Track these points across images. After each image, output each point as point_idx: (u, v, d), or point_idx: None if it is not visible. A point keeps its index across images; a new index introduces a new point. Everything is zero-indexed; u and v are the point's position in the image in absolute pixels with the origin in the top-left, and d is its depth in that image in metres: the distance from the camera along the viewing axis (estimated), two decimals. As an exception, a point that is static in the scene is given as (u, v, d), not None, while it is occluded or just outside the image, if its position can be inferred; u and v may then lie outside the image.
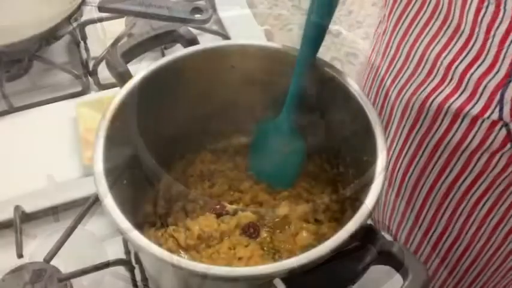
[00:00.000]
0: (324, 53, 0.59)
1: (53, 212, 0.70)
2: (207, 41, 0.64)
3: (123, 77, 0.58)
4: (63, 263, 0.64)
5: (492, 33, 0.54)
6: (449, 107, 0.61)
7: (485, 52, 0.56)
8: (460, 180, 0.67)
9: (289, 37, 2.26)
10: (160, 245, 0.54)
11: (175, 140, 0.65)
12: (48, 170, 0.75)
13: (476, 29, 0.56)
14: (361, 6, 2.49)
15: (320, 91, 0.60)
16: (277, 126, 0.63)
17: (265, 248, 0.61)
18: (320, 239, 0.60)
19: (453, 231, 0.73)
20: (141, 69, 0.58)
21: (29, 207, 0.70)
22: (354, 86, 0.57)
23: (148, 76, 0.58)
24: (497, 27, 0.54)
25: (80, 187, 0.71)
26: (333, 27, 2.42)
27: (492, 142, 0.60)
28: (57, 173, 0.75)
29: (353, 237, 0.46)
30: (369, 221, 0.48)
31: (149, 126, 0.60)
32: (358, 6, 2.50)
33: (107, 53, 0.84)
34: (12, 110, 0.83)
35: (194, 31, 0.94)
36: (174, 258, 0.45)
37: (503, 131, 0.59)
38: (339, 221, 0.62)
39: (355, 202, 0.58)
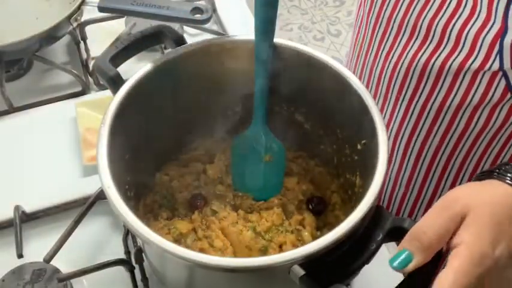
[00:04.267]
0: (324, 53, 0.60)
1: (53, 212, 0.71)
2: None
3: (114, 81, 0.59)
4: (63, 263, 0.64)
5: None
6: (450, 66, 0.62)
7: (478, 8, 0.58)
8: (464, 138, 0.68)
9: (289, 37, 2.26)
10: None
11: (171, 139, 0.65)
12: (48, 170, 0.75)
13: None
14: (361, 6, 2.50)
15: (312, 80, 0.61)
16: (252, 136, 0.64)
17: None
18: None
19: None
20: (138, 69, 0.59)
21: (29, 207, 0.70)
22: (345, 71, 0.58)
23: (146, 76, 0.58)
24: None
25: (80, 187, 0.71)
26: (333, 27, 2.42)
27: (493, 95, 0.62)
28: (57, 173, 0.75)
29: (364, 218, 0.47)
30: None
31: (147, 126, 0.61)
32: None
33: (95, 59, 0.84)
34: (12, 110, 0.83)
35: (195, 31, 0.95)
36: (189, 253, 0.46)
37: (503, 82, 0.60)
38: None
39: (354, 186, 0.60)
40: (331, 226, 0.58)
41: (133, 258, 0.66)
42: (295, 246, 0.59)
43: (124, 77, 0.59)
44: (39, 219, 0.70)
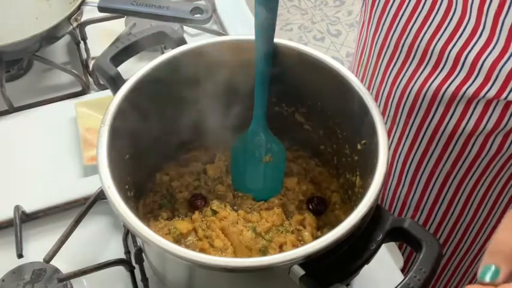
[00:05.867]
0: (324, 53, 0.60)
1: (53, 212, 0.71)
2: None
3: (114, 81, 0.59)
4: (63, 263, 0.64)
5: (501, 20, 0.55)
6: (463, 94, 0.61)
7: (495, 38, 0.57)
8: (476, 164, 0.67)
9: (289, 37, 2.26)
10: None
11: (171, 139, 0.65)
12: (48, 170, 0.75)
13: (483, 19, 0.57)
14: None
15: (312, 81, 0.61)
16: (252, 136, 0.64)
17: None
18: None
19: (466, 219, 0.74)
20: (138, 69, 0.58)
21: (29, 207, 0.70)
22: (346, 71, 0.58)
23: (146, 76, 0.58)
24: (505, 15, 0.54)
25: (80, 187, 0.71)
26: (333, 27, 2.42)
27: (507, 122, 0.61)
28: (57, 173, 0.75)
29: (364, 218, 0.47)
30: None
31: (146, 126, 0.61)
32: (358, 6, 2.51)
33: (96, 59, 0.84)
34: (12, 110, 0.83)
35: (195, 31, 0.95)
36: (190, 253, 0.46)
37: None
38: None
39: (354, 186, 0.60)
40: (331, 226, 0.58)
41: (134, 258, 0.66)
42: (295, 246, 0.59)
43: (124, 77, 0.59)
44: (39, 219, 0.70)
